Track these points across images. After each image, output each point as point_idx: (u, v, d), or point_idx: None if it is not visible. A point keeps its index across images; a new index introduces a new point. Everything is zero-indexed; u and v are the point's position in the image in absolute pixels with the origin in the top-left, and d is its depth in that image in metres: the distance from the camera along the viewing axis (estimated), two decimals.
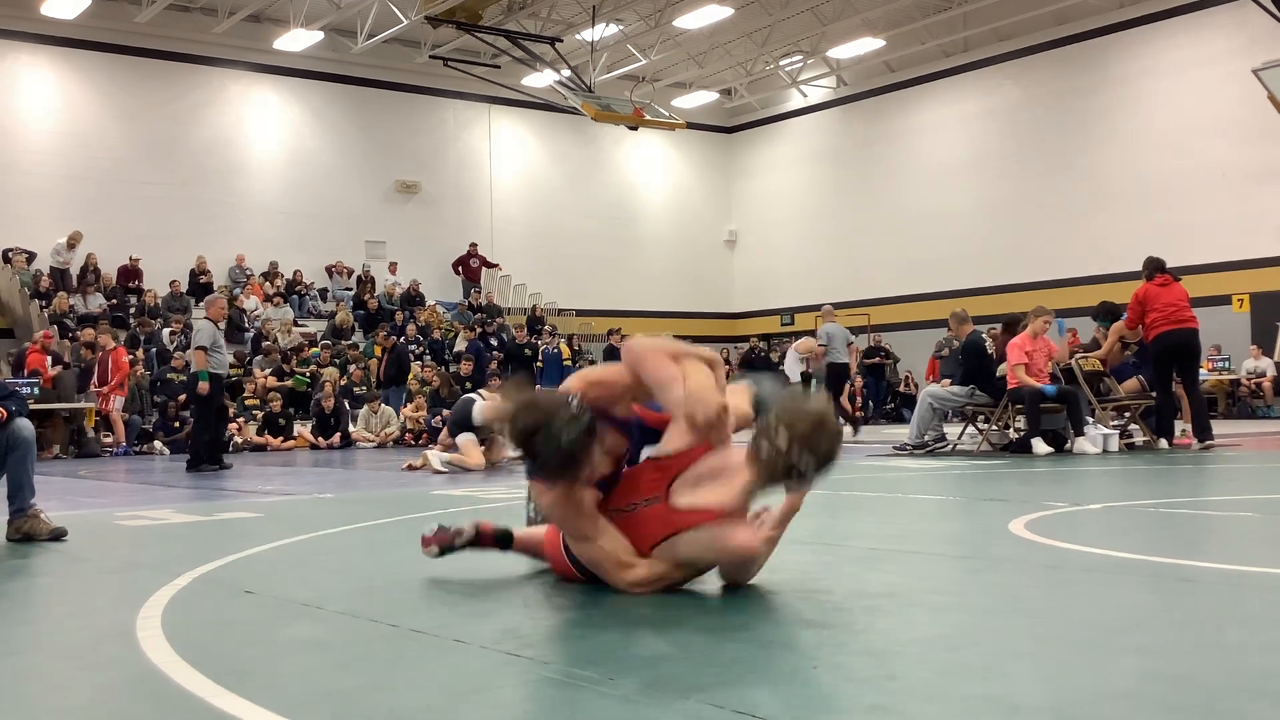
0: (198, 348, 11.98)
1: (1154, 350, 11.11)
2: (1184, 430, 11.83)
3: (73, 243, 21.44)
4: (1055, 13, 24.55)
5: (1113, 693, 2.30)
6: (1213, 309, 19.12)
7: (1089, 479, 8.09)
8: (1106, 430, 11.15)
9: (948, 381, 12.60)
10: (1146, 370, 11.86)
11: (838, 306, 27.65)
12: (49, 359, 16.96)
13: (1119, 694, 2.29)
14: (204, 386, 11.87)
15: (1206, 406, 12.04)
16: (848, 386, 20.37)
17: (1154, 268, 11.32)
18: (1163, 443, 11.22)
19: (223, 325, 12.88)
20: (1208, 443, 10.83)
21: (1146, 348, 12.03)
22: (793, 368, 20.67)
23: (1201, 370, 19.63)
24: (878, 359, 24.55)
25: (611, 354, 21.64)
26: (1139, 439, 11.72)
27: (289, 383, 19.08)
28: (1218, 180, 21.84)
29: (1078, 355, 12.02)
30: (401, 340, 20.74)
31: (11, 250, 21.24)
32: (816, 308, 27.73)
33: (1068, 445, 11.02)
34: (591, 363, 22.66)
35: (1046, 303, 13.05)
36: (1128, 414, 11.95)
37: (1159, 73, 23.38)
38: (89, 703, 2.50)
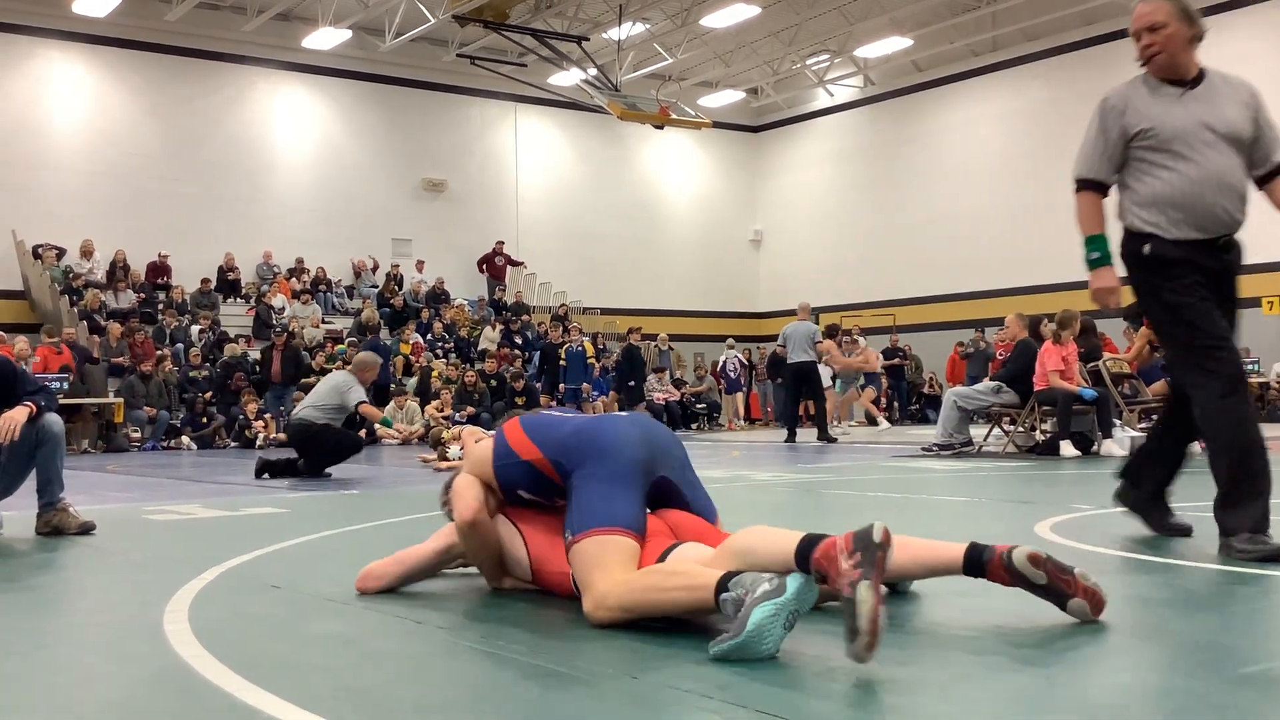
0: None
1: None
2: None
3: (86, 251, 21.55)
4: (1084, 12, 24.38)
5: (1139, 693, 2.29)
6: (1242, 312, 18.90)
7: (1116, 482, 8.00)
8: (1134, 433, 11.07)
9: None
10: None
11: (863, 307, 27.70)
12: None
13: (1145, 695, 2.28)
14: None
15: None
16: (872, 390, 20.29)
17: None
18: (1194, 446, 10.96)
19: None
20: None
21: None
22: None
23: None
24: (896, 360, 24.48)
25: (630, 353, 21.63)
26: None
27: (311, 380, 19.11)
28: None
29: (1106, 358, 11.93)
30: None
31: (42, 246, 21.40)
32: (842, 308, 27.75)
33: (1095, 448, 10.95)
34: (617, 364, 22.67)
35: (1076, 305, 12.95)
36: (1155, 417, 11.85)
37: None
38: (117, 696, 2.52)
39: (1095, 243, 4.31)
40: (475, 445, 3.66)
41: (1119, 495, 4.79)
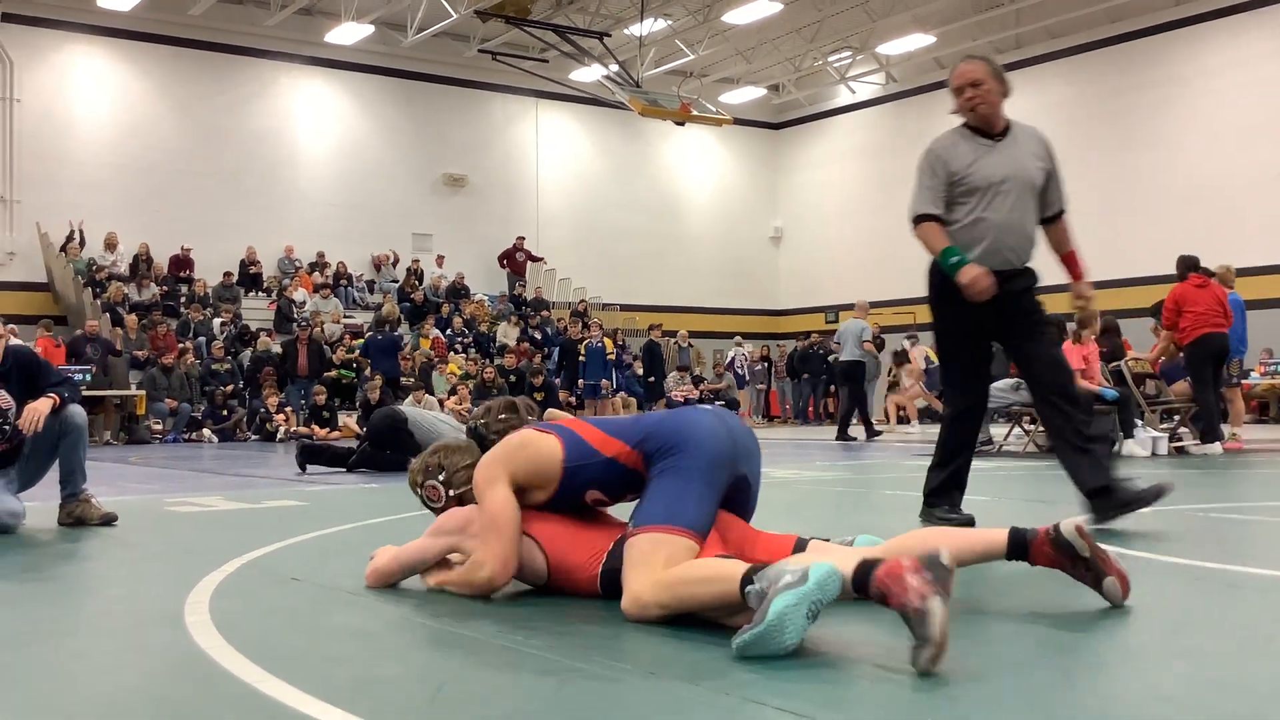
0: None
1: (1195, 353, 10.86)
2: (1234, 434, 11.65)
3: (110, 244, 21.66)
4: (1108, 10, 24.24)
5: (1157, 697, 2.28)
6: (1265, 312, 18.80)
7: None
8: (1155, 433, 11.01)
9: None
10: None
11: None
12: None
13: (1164, 698, 2.27)
14: None
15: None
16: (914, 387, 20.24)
17: (1188, 267, 11.07)
18: (1217, 447, 10.89)
19: None
20: (1210, 445, 10.71)
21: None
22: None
23: (1253, 373, 19.42)
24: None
25: (651, 349, 21.63)
26: (1189, 442, 11.55)
27: (334, 374, 19.22)
28: (1271, 180, 21.50)
29: (1128, 357, 11.87)
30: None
31: (67, 239, 21.48)
32: None
33: (1116, 448, 10.89)
34: (635, 357, 22.69)
35: (1098, 304, 12.86)
36: (1178, 417, 11.79)
37: (1213, 71, 23.03)
38: (137, 685, 2.54)
39: (949, 252, 4.84)
40: (527, 439, 3.37)
41: (1098, 515, 5.04)
